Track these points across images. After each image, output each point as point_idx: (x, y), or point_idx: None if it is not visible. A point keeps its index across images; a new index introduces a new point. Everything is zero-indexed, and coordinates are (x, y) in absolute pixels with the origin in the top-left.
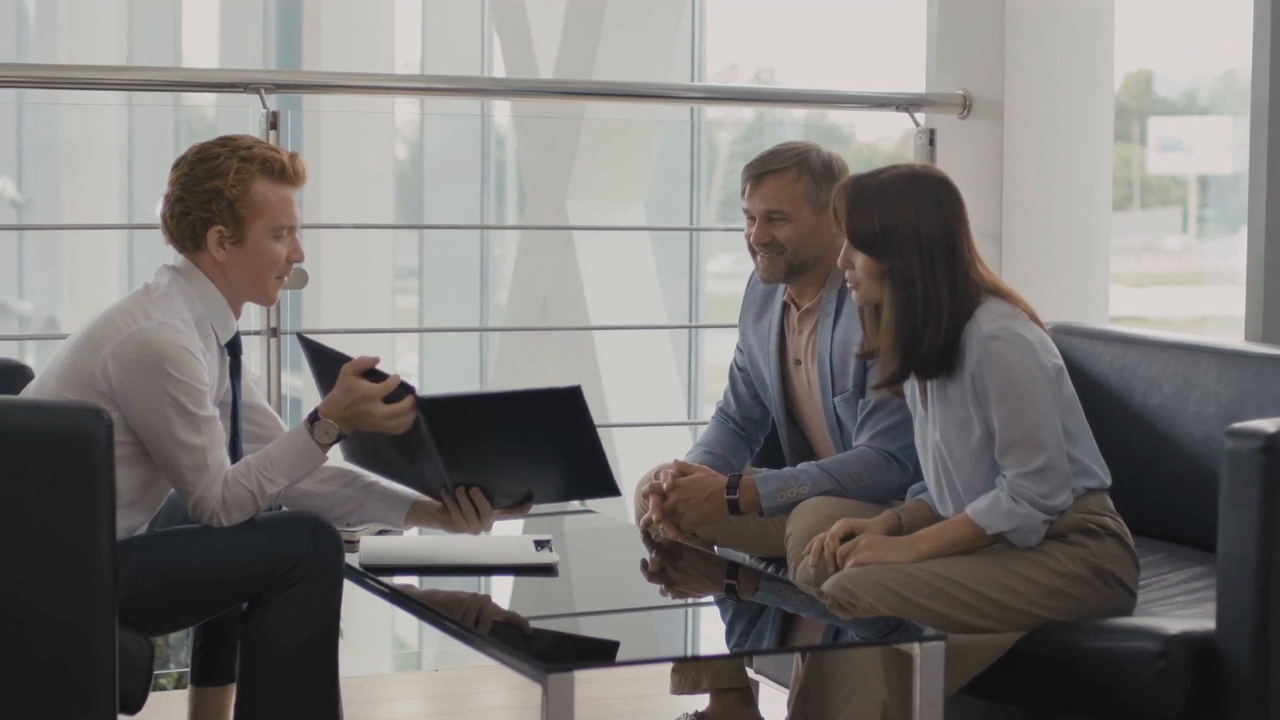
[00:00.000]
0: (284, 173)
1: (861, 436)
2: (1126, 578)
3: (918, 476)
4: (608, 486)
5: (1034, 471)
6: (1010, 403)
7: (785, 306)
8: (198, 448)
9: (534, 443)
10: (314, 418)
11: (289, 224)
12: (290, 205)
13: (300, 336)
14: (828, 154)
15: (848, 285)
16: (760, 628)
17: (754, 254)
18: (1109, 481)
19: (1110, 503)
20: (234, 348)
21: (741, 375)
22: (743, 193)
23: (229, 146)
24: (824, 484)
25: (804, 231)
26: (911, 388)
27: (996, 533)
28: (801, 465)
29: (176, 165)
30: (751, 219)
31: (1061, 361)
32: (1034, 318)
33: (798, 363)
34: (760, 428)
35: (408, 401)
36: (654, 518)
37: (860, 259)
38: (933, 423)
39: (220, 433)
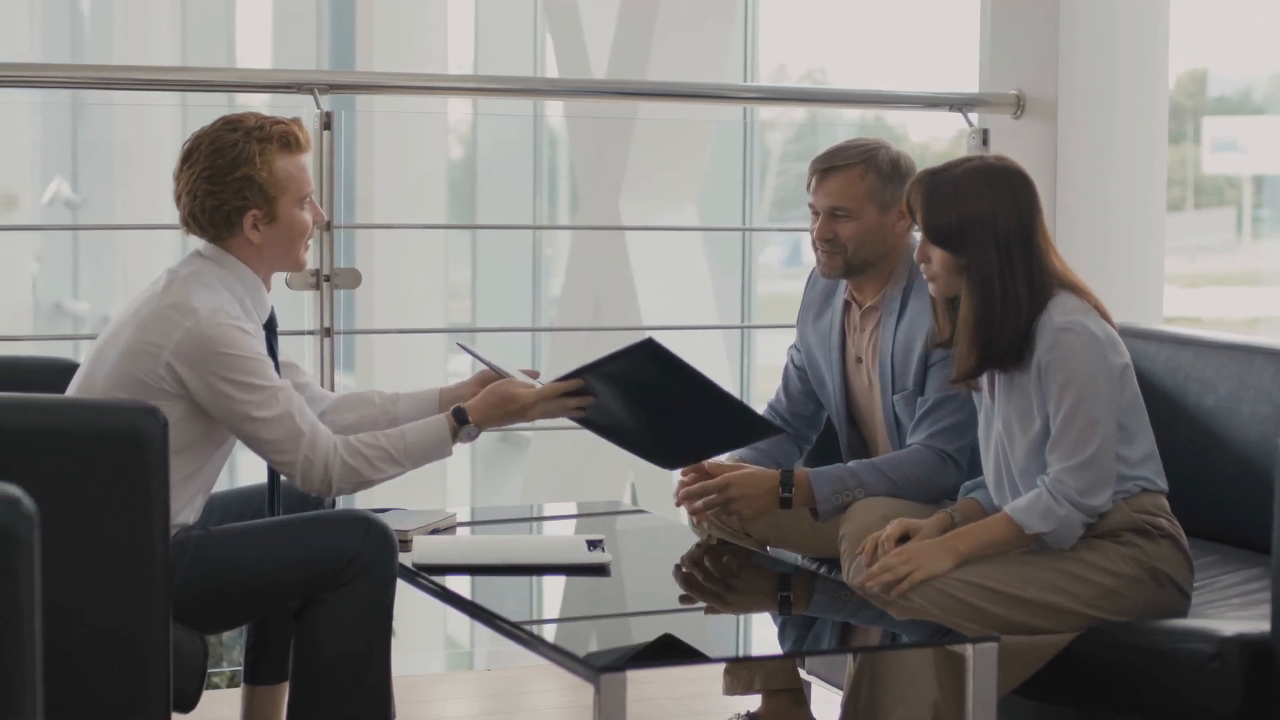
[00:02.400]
0: (298, 143)
1: (918, 434)
2: (1180, 579)
3: (972, 475)
4: (761, 426)
5: (1078, 465)
6: (1071, 396)
7: (846, 304)
8: (280, 417)
9: (663, 399)
10: (462, 419)
11: (310, 191)
12: (307, 172)
13: (461, 345)
14: (896, 153)
15: (924, 279)
16: (813, 629)
17: (816, 249)
18: (1166, 486)
19: (1166, 505)
20: (271, 325)
21: (797, 373)
22: (808, 186)
23: (240, 130)
24: (880, 486)
25: (866, 229)
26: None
27: (1035, 533)
28: (857, 464)
29: (189, 160)
30: (816, 214)
31: (1129, 360)
32: (1104, 314)
33: (859, 361)
34: (811, 426)
35: (549, 389)
36: (695, 511)
37: (937, 253)
38: (997, 413)
39: (298, 398)
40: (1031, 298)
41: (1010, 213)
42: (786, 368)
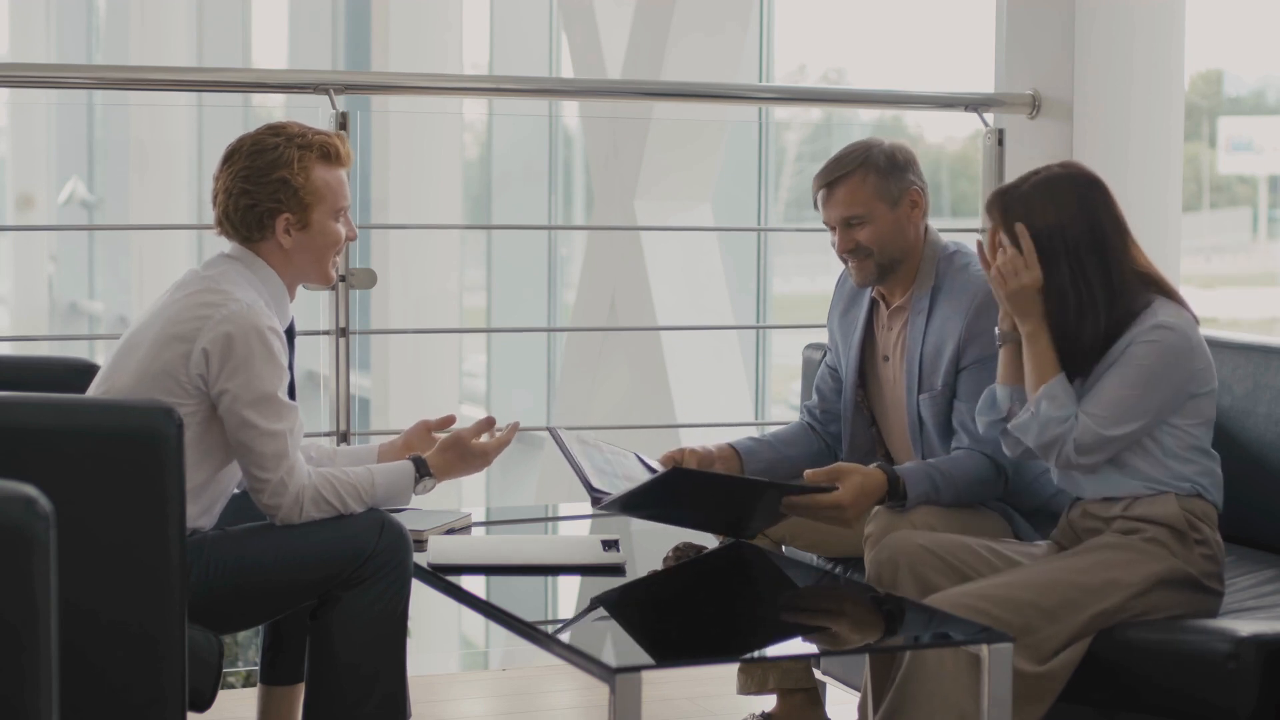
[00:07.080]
0: (338, 156)
1: (976, 441)
2: (1209, 581)
3: (1012, 487)
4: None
5: (1093, 444)
6: (1133, 376)
7: (874, 303)
8: (279, 433)
9: (711, 502)
10: (424, 471)
11: (346, 205)
12: (345, 186)
13: (551, 431)
14: (889, 146)
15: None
16: (828, 628)
17: (845, 263)
18: (1220, 508)
19: (1215, 520)
20: (290, 333)
21: (830, 372)
22: (815, 204)
23: (282, 135)
24: (947, 495)
25: (883, 228)
26: None
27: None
28: (921, 468)
29: (229, 160)
30: (833, 229)
31: (1214, 386)
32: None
33: (886, 359)
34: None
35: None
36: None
37: None
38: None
39: (300, 425)
40: (1110, 299)
41: (1078, 219)
42: (822, 369)
